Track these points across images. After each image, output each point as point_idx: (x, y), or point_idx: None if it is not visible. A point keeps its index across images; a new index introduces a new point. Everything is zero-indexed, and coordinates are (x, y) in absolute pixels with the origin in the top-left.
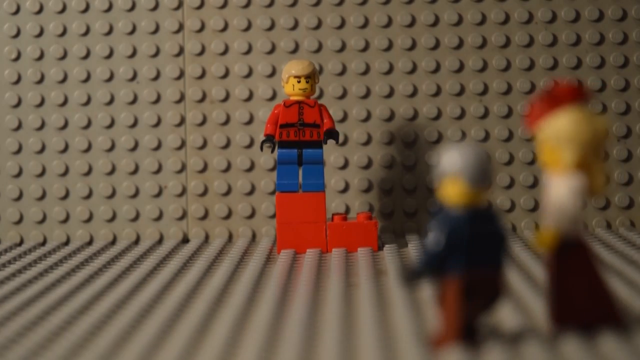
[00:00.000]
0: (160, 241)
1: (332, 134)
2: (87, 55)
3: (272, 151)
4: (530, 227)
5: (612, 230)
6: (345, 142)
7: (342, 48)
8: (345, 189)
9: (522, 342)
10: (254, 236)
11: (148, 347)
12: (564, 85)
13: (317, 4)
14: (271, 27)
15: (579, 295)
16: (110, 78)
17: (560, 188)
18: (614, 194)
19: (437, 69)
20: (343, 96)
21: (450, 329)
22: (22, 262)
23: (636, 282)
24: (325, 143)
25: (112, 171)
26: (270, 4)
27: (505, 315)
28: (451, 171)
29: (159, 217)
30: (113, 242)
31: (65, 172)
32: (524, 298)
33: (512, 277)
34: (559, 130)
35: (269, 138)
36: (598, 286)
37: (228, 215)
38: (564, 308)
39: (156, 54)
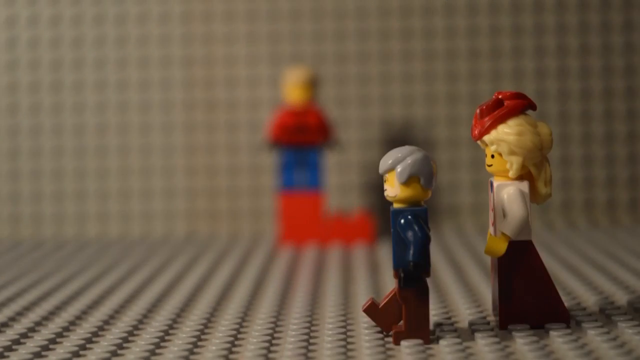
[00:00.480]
0: (169, 237)
1: (334, 143)
2: (101, 61)
3: (275, 153)
4: None
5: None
6: (344, 143)
7: (342, 55)
8: (344, 188)
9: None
10: (257, 232)
11: (157, 339)
12: (509, 95)
13: (318, 14)
14: (275, 36)
15: (526, 295)
16: (123, 83)
17: (507, 195)
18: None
19: (432, 73)
20: (343, 100)
21: (422, 323)
22: (38, 253)
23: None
24: (328, 150)
25: (125, 171)
26: (274, 14)
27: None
28: (411, 173)
29: (168, 215)
30: (124, 238)
31: (80, 172)
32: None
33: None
34: (505, 139)
35: (273, 140)
36: (545, 286)
37: (233, 213)
38: (511, 308)
39: (167, 61)
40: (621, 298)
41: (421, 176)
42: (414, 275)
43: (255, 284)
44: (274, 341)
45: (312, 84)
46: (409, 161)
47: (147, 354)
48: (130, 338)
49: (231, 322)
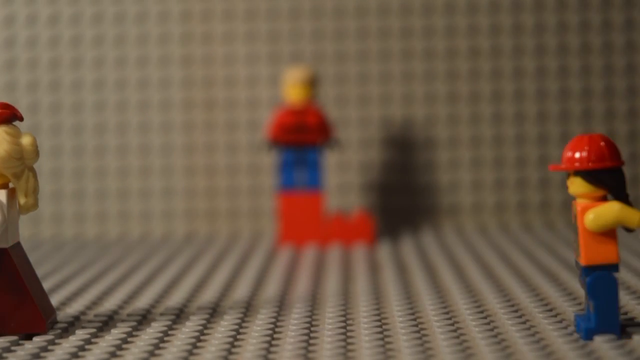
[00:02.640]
0: (168, 237)
1: (334, 142)
2: (100, 61)
3: (275, 152)
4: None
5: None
6: (344, 143)
7: (342, 54)
8: (344, 188)
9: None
10: (257, 232)
11: (157, 339)
12: None
13: (318, 13)
14: (274, 35)
15: (1, 303)
16: (122, 84)
17: None
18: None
19: (432, 73)
20: (342, 99)
21: None
22: (37, 253)
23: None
24: (328, 150)
25: (124, 171)
26: (273, 13)
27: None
28: None
29: (167, 215)
30: (123, 238)
31: (79, 172)
32: None
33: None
34: None
35: (272, 140)
36: (20, 295)
37: (233, 213)
38: None
39: (166, 60)
40: (622, 298)
41: None
42: None
43: (255, 284)
44: (273, 341)
45: (312, 83)
46: None
47: (146, 354)
48: (129, 339)
49: (231, 322)
